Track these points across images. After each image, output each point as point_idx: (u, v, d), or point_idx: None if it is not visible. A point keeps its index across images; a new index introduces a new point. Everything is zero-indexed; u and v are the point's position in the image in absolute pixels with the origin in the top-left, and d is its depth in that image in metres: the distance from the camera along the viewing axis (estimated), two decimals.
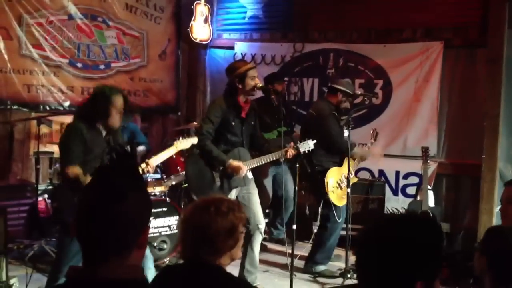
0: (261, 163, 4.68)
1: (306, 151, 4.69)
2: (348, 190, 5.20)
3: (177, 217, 5.30)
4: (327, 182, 5.13)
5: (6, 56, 5.86)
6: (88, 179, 3.66)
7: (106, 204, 1.46)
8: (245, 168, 4.54)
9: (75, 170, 3.78)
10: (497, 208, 5.58)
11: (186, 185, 5.35)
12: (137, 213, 1.51)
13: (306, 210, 5.99)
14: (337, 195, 5.21)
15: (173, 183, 5.61)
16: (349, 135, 5.31)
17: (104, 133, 3.94)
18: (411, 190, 6.31)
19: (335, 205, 5.16)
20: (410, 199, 6.11)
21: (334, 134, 5.17)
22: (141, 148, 5.99)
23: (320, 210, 5.31)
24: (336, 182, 5.22)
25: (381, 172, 6.47)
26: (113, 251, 1.47)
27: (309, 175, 5.18)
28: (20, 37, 5.97)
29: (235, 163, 4.49)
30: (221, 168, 4.53)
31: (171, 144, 4.47)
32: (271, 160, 4.70)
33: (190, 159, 4.84)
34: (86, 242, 1.50)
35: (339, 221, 5.20)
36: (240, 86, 4.55)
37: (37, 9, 6.06)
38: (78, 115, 4.00)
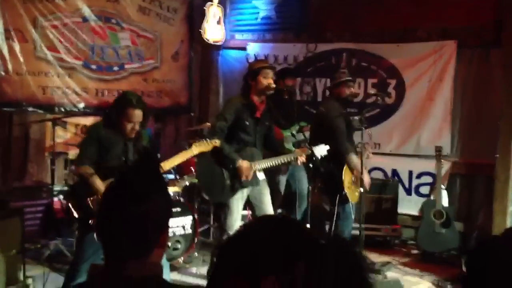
0: (272, 165, 4.68)
1: (319, 156, 4.69)
2: (361, 189, 5.20)
3: (191, 217, 5.34)
4: (344, 178, 5.13)
5: (21, 59, 5.94)
6: (97, 180, 3.77)
7: (129, 205, 1.50)
8: (252, 171, 4.54)
9: (83, 169, 3.86)
10: (511, 208, 5.55)
11: (197, 181, 5.36)
12: (159, 213, 1.55)
13: (324, 207, 5.92)
14: (352, 191, 5.20)
15: (187, 183, 5.64)
16: (362, 134, 5.31)
17: (123, 138, 3.99)
18: (424, 190, 6.29)
19: (348, 202, 5.15)
20: (424, 199, 6.09)
21: (338, 133, 5.11)
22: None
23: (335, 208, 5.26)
24: (351, 178, 5.22)
25: (394, 172, 6.46)
26: (135, 250, 1.50)
27: (324, 172, 5.12)
28: (35, 40, 6.05)
29: (245, 165, 4.48)
30: (231, 167, 4.54)
31: (185, 146, 4.49)
32: (283, 162, 4.70)
33: (201, 157, 4.85)
34: (109, 241, 1.53)
35: (353, 217, 5.21)
36: (252, 83, 4.56)
37: (52, 12, 6.14)
38: (103, 114, 4.10)
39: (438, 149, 5.77)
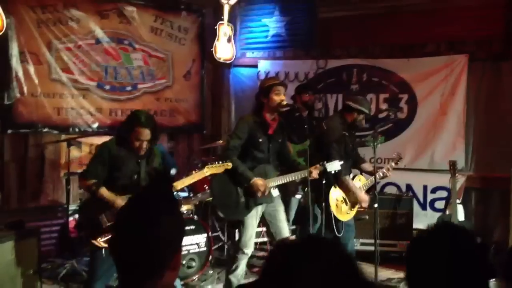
0: (286, 181, 4.69)
1: (333, 172, 4.70)
2: (376, 205, 5.17)
3: (205, 235, 5.34)
4: (331, 193, 5.07)
5: (36, 81, 6.05)
6: (105, 191, 3.81)
7: (141, 228, 1.52)
8: (268, 187, 4.55)
9: (85, 182, 3.96)
10: None
11: (211, 199, 5.37)
12: (170, 236, 1.57)
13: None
14: (340, 209, 5.16)
15: (201, 201, 5.65)
16: (374, 150, 5.29)
17: (135, 155, 4.04)
18: (439, 205, 6.24)
19: (336, 218, 5.09)
20: (439, 214, 6.04)
21: (333, 155, 4.96)
22: (172, 171, 6.08)
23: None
24: (342, 197, 5.18)
25: (409, 187, 6.43)
26: (148, 273, 1.52)
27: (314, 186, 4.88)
28: (50, 62, 6.15)
29: (259, 181, 4.50)
30: (245, 185, 4.55)
31: (198, 166, 4.51)
32: (296, 179, 4.70)
33: (215, 175, 4.86)
34: (122, 265, 1.55)
35: (339, 235, 5.13)
36: (265, 101, 4.59)
37: (66, 35, 6.25)
38: (116, 133, 4.17)
39: (452, 164, 5.73)
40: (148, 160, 4.08)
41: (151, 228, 1.51)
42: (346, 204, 5.20)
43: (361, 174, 5.50)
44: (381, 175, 5.30)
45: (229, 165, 4.35)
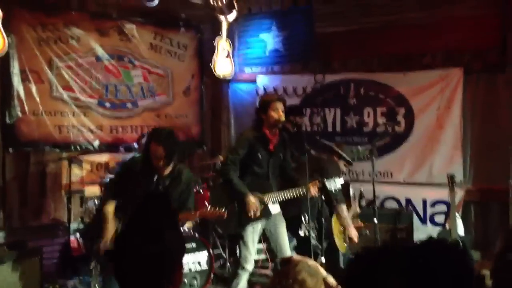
0: (284, 198, 4.71)
1: (333, 190, 4.74)
2: (375, 220, 5.23)
3: (206, 253, 5.35)
4: (334, 226, 5.19)
5: (38, 99, 6.09)
6: (110, 226, 3.82)
7: (143, 245, 1.55)
8: (261, 207, 4.56)
9: (105, 209, 3.95)
10: None
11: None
12: (172, 252, 1.60)
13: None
14: (341, 240, 5.30)
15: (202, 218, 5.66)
16: (373, 164, 5.38)
17: (155, 177, 4.03)
18: (439, 219, 6.27)
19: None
20: (439, 228, 6.06)
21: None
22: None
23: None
24: (340, 228, 5.30)
25: (408, 201, 6.45)
26: None
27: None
28: (51, 80, 6.21)
29: (251, 200, 4.50)
30: (241, 200, 4.57)
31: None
32: (295, 195, 4.72)
33: (213, 190, 4.89)
34: (125, 281, 1.58)
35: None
36: (263, 117, 4.64)
37: (66, 53, 6.30)
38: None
39: (451, 177, 5.76)
40: (169, 186, 4.05)
41: (153, 245, 1.55)
42: (343, 235, 5.31)
43: None
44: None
45: (224, 214, 4.26)
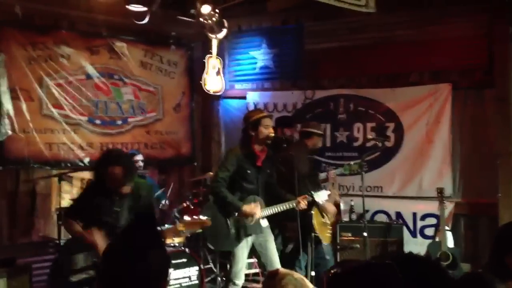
0: (274, 212, 4.74)
1: (321, 202, 4.78)
2: (365, 233, 5.27)
3: (196, 268, 5.34)
4: (314, 221, 5.17)
5: (28, 117, 6.09)
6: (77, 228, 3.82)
7: (128, 263, 1.57)
8: (259, 212, 4.61)
9: (68, 222, 3.99)
10: None
11: (201, 230, 5.39)
12: (158, 268, 1.62)
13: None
14: (324, 232, 5.29)
15: (192, 233, 5.66)
16: (362, 178, 5.44)
17: (116, 200, 3.98)
18: (429, 232, 6.30)
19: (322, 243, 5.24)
20: (429, 241, 6.08)
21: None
22: (162, 202, 6.14)
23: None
24: (321, 220, 5.30)
25: (398, 214, 6.48)
26: None
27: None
28: (41, 98, 6.22)
29: (248, 208, 4.56)
30: (236, 214, 4.59)
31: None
32: (285, 209, 4.75)
33: (205, 206, 4.92)
34: None
35: (328, 258, 5.24)
36: (253, 134, 4.67)
37: (56, 71, 6.33)
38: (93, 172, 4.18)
39: (440, 191, 5.82)
40: (132, 204, 4.02)
41: (140, 262, 1.56)
42: (325, 226, 5.29)
43: None
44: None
45: (208, 222, 4.18)
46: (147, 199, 4.15)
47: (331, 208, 5.37)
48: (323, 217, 5.32)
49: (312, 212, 5.10)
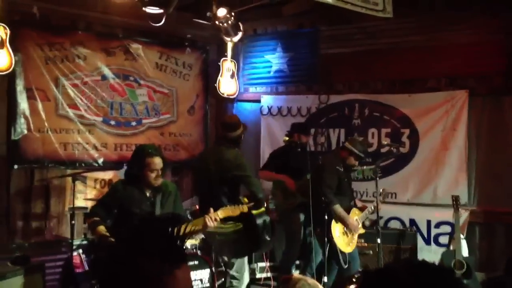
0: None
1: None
2: (379, 240, 5.22)
3: (208, 270, 5.33)
4: (333, 228, 5.25)
5: (43, 116, 6.14)
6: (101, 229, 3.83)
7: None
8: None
9: (88, 220, 4.05)
10: None
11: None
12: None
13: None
14: (344, 242, 5.29)
15: (204, 236, 5.65)
16: (376, 184, 5.40)
17: (148, 193, 4.05)
18: (443, 240, 6.23)
19: (341, 251, 5.23)
20: (443, 249, 6.02)
21: (324, 186, 5.29)
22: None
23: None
24: (343, 229, 5.31)
25: (412, 221, 6.42)
26: None
27: (318, 220, 5.21)
28: (57, 98, 6.26)
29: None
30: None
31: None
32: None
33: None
34: None
35: (345, 266, 5.21)
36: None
37: (72, 71, 6.37)
38: (125, 173, 4.21)
39: (455, 198, 5.75)
40: (162, 200, 4.08)
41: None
42: (347, 236, 5.29)
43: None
44: (371, 210, 5.48)
45: (245, 207, 4.26)
46: (175, 195, 4.19)
47: (350, 221, 5.33)
48: (346, 234, 5.34)
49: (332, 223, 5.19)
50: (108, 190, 4.20)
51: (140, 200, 3.99)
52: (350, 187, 5.70)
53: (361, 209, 5.59)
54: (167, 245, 1.64)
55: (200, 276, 5.28)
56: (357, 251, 5.49)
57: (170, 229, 1.72)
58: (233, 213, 4.18)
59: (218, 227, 4.26)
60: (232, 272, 4.84)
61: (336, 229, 5.28)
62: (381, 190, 5.73)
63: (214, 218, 4.01)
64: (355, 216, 5.42)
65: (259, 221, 4.56)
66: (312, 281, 2.36)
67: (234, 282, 4.91)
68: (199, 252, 5.45)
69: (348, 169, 5.57)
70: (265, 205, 4.88)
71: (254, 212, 4.49)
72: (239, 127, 5.07)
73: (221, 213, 4.06)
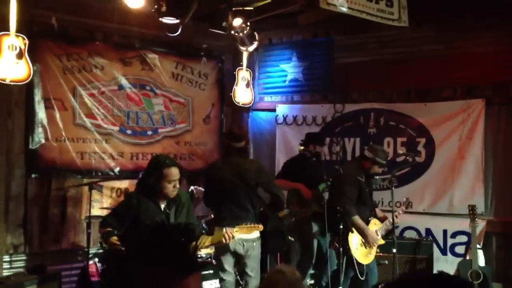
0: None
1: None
2: (394, 250, 5.19)
3: None
4: (350, 238, 5.22)
5: (61, 126, 6.21)
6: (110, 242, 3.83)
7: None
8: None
9: (100, 230, 4.00)
10: None
11: None
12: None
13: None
14: (361, 253, 5.26)
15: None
16: (392, 194, 5.37)
17: (163, 205, 4.01)
18: (460, 249, 6.17)
19: (358, 262, 5.20)
20: (460, 259, 5.97)
21: (344, 198, 5.28)
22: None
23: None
24: (361, 240, 5.28)
25: (428, 231, 6.37)
26: None
27: (337, 231, 5.24)
28: (74, 108, 6.34)
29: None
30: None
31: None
32: None
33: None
34: None
35: (362, 278, 5.18)
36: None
37: (90, 81, 6.45)
38: (137, 185, 4.16)
39: (472, 208, 5.70)
40: (176, 212, 4.03)
41: None
42: (365, 247, 5.27)
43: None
44: (392, 221, 5.43)
45: (261, 227, 4.27)
46: (188, 205, 4.15)
47: (369, 233, 5.32)
48: (364, 246, 5.34)
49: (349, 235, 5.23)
50: (122, 200, 4.17)
51: (154, 213, 3.93)
52: (371, 197, 5.68)
53: (381, 220, 5.55)
54: (178, 255, 1.66)
55: (215, 285, 5.29)
56: (375, 263, 5.45)
57: (182, 239, 1.74)
58: (248, 231, 4.20)
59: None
60: (247, 269, 4.79)
61: (354, 240, 5.25)
62: (404, 199, 5.71)
63: (232, 236, 4.01)
64: (374, 227, 5.40)
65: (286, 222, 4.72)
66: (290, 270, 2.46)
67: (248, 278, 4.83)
68: (213, 261, 5.46)
69: (370, 178, 5.55)
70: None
71: (280, 214, 4.61)
72: (245, 138, 5.12)
73: (237, 231, 4.07)
